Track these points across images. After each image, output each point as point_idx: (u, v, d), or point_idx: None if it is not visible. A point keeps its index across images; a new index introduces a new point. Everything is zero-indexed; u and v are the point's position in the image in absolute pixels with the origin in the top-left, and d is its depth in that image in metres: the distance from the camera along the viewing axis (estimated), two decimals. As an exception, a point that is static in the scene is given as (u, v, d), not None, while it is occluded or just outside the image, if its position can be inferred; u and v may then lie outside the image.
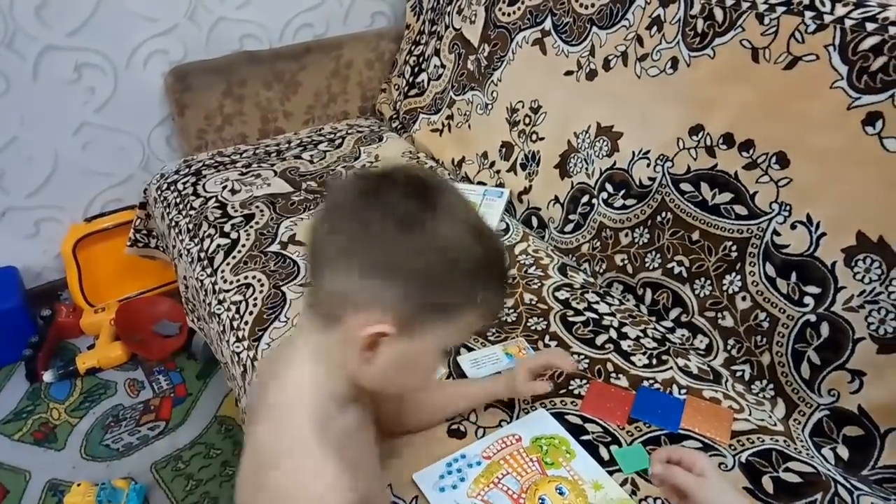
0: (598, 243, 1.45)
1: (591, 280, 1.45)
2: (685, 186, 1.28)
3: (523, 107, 1.67)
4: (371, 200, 0.65)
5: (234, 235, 1.56)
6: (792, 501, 0.94)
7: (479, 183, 1.78)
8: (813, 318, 1.10)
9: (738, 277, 1.20)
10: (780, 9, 1.15)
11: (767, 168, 1.16)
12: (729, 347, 1.22)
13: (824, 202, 1.09)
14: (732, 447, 1.02)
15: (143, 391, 1.87)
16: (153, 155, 2.10)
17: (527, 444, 1.01)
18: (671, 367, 1.18)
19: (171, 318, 2.03)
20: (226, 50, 2.05)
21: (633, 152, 1.39)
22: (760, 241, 1.17)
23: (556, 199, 1.56)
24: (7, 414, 1.80)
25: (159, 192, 1.82)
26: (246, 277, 1.43)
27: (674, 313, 1.30)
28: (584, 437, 1.03)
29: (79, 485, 1.52)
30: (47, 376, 1.88)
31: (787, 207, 1.13)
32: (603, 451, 1.01)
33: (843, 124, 1.05)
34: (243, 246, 1.52)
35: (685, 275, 1.28)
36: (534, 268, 1.44)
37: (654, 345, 1.24)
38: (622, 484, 0.96)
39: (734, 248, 1.20)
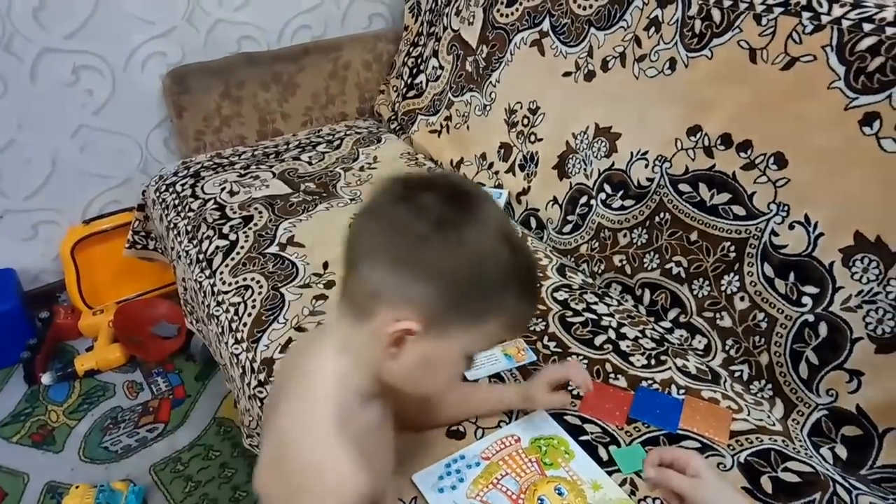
0: (597, 244, 1.45)
1: (590, 281, 1.45)
2: (683, 187, 1.29)
3: (521, 108, 1.68)
4: (409, 202, 0.66)
5: (232, 237, 1.55)
6: (791, 501, 0.94)
7: (478, 184, 1.78)
8: (811, 318, 1.10)
9: (737, 278, 1.20)
10: (778, 9, 1.15)
11: (765, 168, 1.16)
12: (727, 347, 1.22)
13: (822, 202, 1.10)
14: (731, 447, 1.02)
15: (141, 393, 1.87)
16: (151, 157, 2.10)
17: (526, 445, 1.01)
18: (670, 368, 1.19)
19: (169, 320, 2.02)
20: (224, 52, 2.05)
21: (632, 153, 1.39)
22: (758, 241, 1.17)
23: (555, 200, 1.57)
24: (5, 416, 1.80)
25: (158, 194, 1.82)
26: (245, 279, 1.43)
27: (672, 314, 1.31)
28: (583, 438, 1.03)
29: (77, 487, 1.52)
30: (45, 378, 1.88)
31: (785, 208, 1.14)
32: (602, 452, 1.01)
33: (841, 124, 1.06)
34: (242, 247, 1.52)
35: (683, 275, 1.28)
36: (532, 269, 1.44)
37: (653, 345, 1.24)
38: (621, 484, 0.96)
39: (732, 248, 1.21)
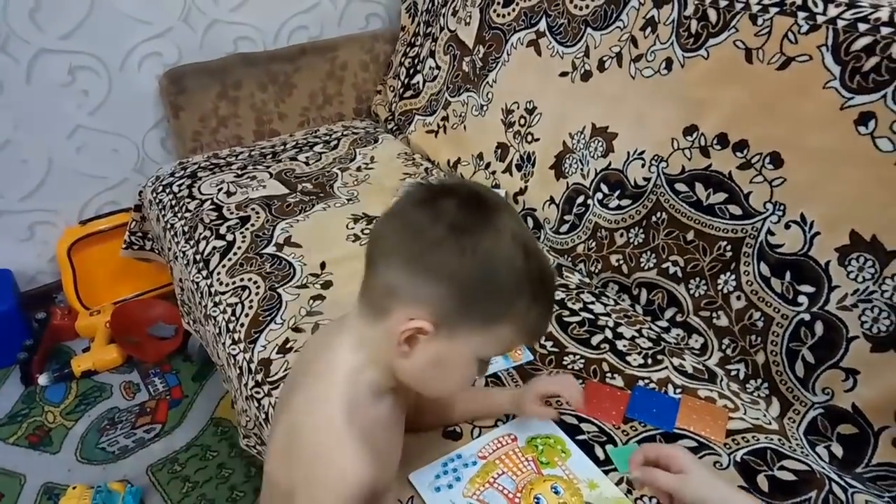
0: (594, 244, 1.45)
1: (587, 280, 1.45)
2: (680, 186, 1.29)
3: (518, 108, 1.68)
4: (429, 206, 0.69)
5: (229, 237, 1.55)
6: (787, 499, 0.95)
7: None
8: (807, 317, 1.10)
9: (733, 277, 1.20)
10: (774, 9, 1.15)
11: (761, 168, 1.16)
12: (724, 347, 1.22)
13: (818, 202, 1.10)
14: (727, 446, 1.03)
15: (138, 394, 1.87)
16: (148, 157, 2.10)
17: (522, 444, 1.01)
18: (666, 367, 1.19)
19: (166, 321, 2.02)
20: (220, 52, 2.05)
21: (628, 153, 1.39)
22: (755, 240, 1.17)
23: (552, 200, 1.57)
24: (2, 417, 1.80)
25: (154, 195, 1.82)
26: (242, 279, 1.43)
27: (669, 313, 1.31)
28: (580, 437, 1.03)
29: (74, 488, 1.51)
30: (42, 379, 1.87)
31: (781, 207, 1.14)
32: (598, 451, 1.01)
33: (837, 124, 1.06)
34: (239, 248, 1.52)
35: (680, 275, 1.29)
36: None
37: (650, 344, 1.24)
38: (617, 483, 0.96)
39: (729, 247, 1.21)
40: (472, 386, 1.12)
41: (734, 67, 1.20)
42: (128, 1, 1.86)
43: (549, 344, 1.23)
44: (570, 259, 1.51)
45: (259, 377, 1.22)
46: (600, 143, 1.45)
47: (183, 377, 1.92)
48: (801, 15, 1.11)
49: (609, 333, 1.26)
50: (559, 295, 1.35)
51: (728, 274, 1.21)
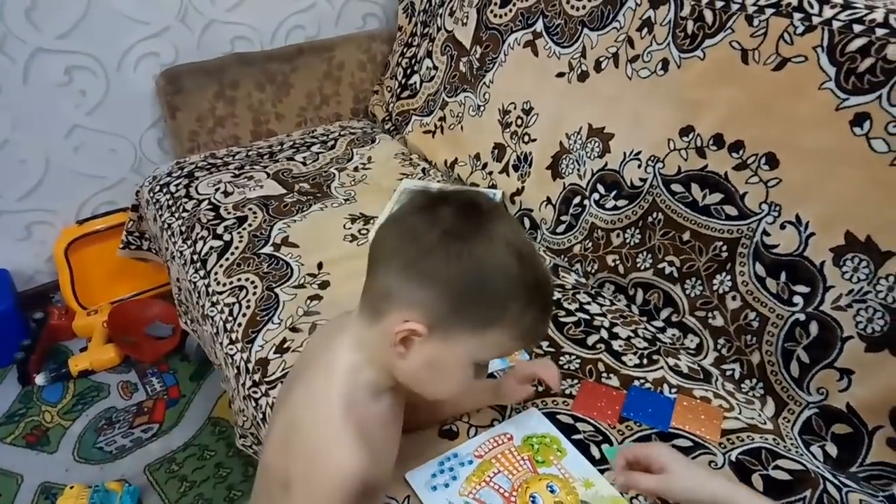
0: (590, 244, 1.46)
1: (583, 280, 1.46)
2: (676, 187, 1.29)
3: (515, 108, 1.68)
4: (426, 213, 0.72)
5: (227, 237, 1.56)
6: (782, 499, 0.95)
7: (472, 184, 1.78)
8: (802, 317, 1.11)
9: (729, 277, 1.21)
10: (769, 11, 1.16)
11: (757, 169, 1.17)
12: (719, 347, 1.23)
13: (813, 202, 1.10)
14: (722, 445, 1.03)
15: (136, 393, 1.87)
16: (145, 157, 2.10)
17: (518, 443, 1.02)
18: (662, 367, 1.19)
19: (163, 320, 2.03)
20: (217, 52, 2.05)
21: (625, 153, 1.40)
22: (750, 241, 1.18)
23: (548, 200, 1.57)
24: (-1, 417, 1.80)
25: (152, 195, 1.82)
26: (239, 279, 1.43)
27: (665, 313, 1.31)
28: (576, 437, 1.04)
29: (72, 487, 1.52)
30: (39, 379, 1.87)
31: (777, 208, 1.14)
32: (594, 450, 1.02)
33: (832, 125, 1.06)
34: (236, 248, 1.52)
35: (676, 275, 1.29)
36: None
37: (645, 344, 1.25)
38: (612, 482, 0.96)
39: (724, 248, 1.21)
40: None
41: (730, 68, 1.20)
42: (124, 0, 1.86)
43: (545, 344, 1.23)
44: (566, 259, 1.51)
45: (256, 377, 1.22)
46: (597, 144, 1.46)
47: (180, 377, 1.92)
48: (797, 16, 1.12)
49: (605, 333, 1.27)
50: (555, 295, 1.36)
51: (724, 274, 1.22)
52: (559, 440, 1.02)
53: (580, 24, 1.52)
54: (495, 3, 1.76)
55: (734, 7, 1.21)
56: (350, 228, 1.56)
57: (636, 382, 1.15)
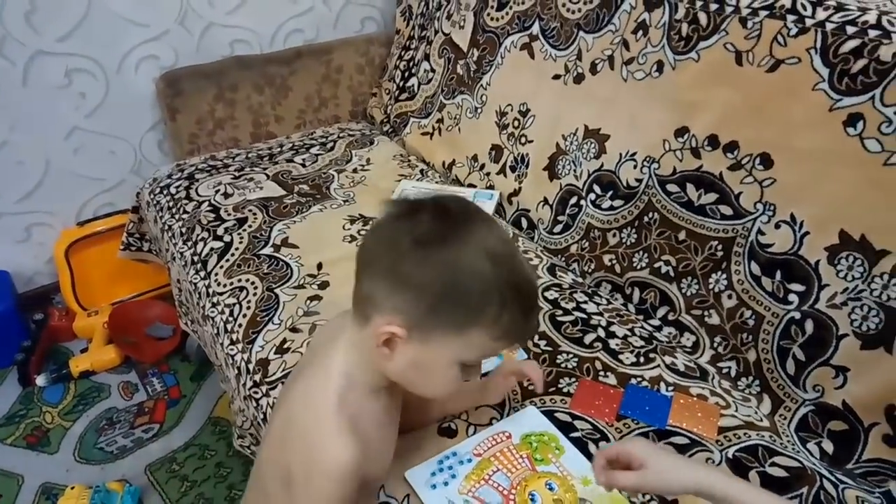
0: (587, 244, 1.47)
1: (580, 280, 1.46)
2: (671, 187, 1.30)
3: (512, 110, 1.69)
4: (404, 219, 0.75)
5: (227, 239, 1.56)
6: (778, 495, 0.96)
7: (470, 185, 1.79)
8: (797, 315, 1.12)
9: (724, 276, 1.22)
10: (763, 13, 1.17)
11: (752, 169, 1.18)
12: (715, 345, 1.24)
13: (808, 202, 1.11)
14: (719, 443, 1.04)
15: (136, 394, 1.88)
16: (145, 159, 2.11)
17: (517, 441, 1.02)
18: (658, 365, 1.20)
19: (163, 321, 2.03)
20: (216, 55, 2.06)
21: (620, 154, 1.41)
22: (745, 240, 1.19)
23: (545, 201, 1.58)
24: (0, 418, 1.81)
25: (152, 196, 1.83)
26: (239, 280, 1.44)
27: (661, 312, 1.32)
28: (574, 435, 1.04)
29: (72, 488, 1.52)
30: (40, 380, 1.88)
31: (772, 207, 1.16)
32: (592, 448, 1.02)
33: (826, 126, 1.07)
34: (236, 249, 1.53)
35: (672, 274, 1.30)
36: (524, 269, 1.45)
37: (642, 343, 1.26)
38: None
39: (720, 247, 1.22)
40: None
41: (724, 70, 1.22)
42: (124, 3, 1.87)
43: (542, 343, 1.24)
44: (563, 259, 1.52)
45: (257, 377, 1.23)
46: (593, 145, 1.47)
47: (181, 377, 1.93)
48: (791, 18, 1.13)
49: (602, 332, 1.28)
50: (553, 294, 1.37)
51: (719, 273, 1.23)
52: (557, 438, 1.03)
53: (576, 27, 1.53)
54: (492, 7, 1.77)
55: (728, 9, 1.22)
56: (349, 229, 1.57)
57: (633, 381, 1.16)
